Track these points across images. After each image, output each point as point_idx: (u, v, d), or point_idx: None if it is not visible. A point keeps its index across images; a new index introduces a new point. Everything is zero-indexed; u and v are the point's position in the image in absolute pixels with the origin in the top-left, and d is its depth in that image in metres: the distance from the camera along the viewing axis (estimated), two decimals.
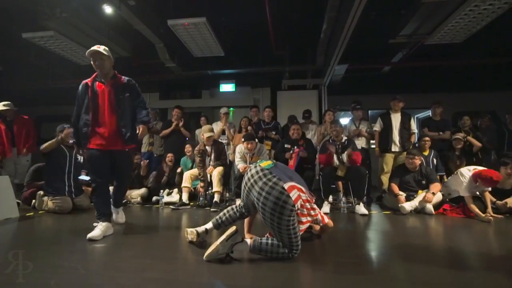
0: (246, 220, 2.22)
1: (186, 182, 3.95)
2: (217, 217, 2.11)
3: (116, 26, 4.96)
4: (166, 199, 4.03)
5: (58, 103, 7.29)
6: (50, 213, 3.37)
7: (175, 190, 4.28)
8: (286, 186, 1.73)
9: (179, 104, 5.43)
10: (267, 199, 1.72)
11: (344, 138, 3.69)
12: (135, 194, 4.15)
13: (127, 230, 2.79)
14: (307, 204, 1.81)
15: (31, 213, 3.35)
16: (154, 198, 4.17)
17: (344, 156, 3.47)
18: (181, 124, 4.85)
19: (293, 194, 1.72)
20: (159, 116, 5.94)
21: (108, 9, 4.17)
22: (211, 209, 3.53)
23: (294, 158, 3.72)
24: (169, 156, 4.52)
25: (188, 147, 4.59)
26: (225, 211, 2.11)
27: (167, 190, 4.23)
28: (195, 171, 4.09)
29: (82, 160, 3.77)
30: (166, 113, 7.32)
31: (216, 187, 3.72)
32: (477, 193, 3.24)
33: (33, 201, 3.59)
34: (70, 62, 5.48)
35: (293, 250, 1.78)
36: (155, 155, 5.23)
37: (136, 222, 3.26)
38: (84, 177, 3.70)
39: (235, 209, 2.07)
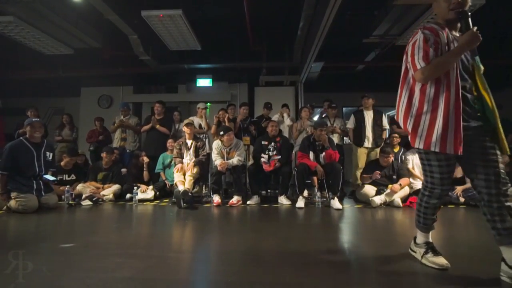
0: None
1: (180, 177, 3.76)
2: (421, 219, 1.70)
3: (85, 15, 4.68)
4: (140, 196, 3.92)
5: (19, 95, 6.79)
6: (11, 212, 3.14)
7: (150, 187, 4.18)
8: None
9: (155, 99, 5.29)
10: None
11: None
12: (107, 191, 3.99)
13: (97, 228, 2.69)
14: None
15: None
16: (128, 196, 4.03)
17: (321, 157, 3.63)
18: (155, 121, 4.70)
19: None
20: (132, 111, 5.72)
21: None
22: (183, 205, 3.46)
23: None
24: (142, 155, 4.42)
25: (170, 142, 4.48)
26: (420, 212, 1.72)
27: (143, 186, 4.12)
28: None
29: (51, 158, 3.53)
30: (141, 108, 7.07)
31: (187, 184, 3.65)
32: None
33: None
34: (33, 51, 5.10)
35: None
36: (127, 150, 5.05)
37: (107, 220, 3.15)
38: (49, 177, 3.45)
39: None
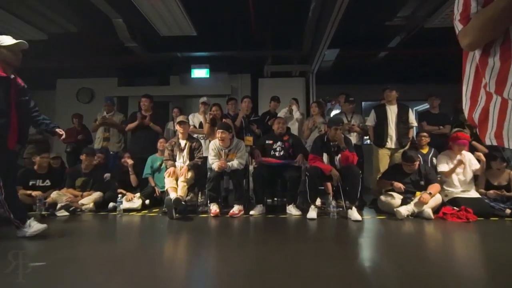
0: None
1: (171, 183, 3.74)
2: None
3: None
4: (126, 205, 3.92)
5: None
6: None
7: (137, 194, 4.18)
8: None
9: (144, 92, 5.27)
10: None
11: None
12: (87, 200, 4.00)
13: (74, 243, 2.68)
14: None
15: None
16: (111, 205, 4.04)
17: (337, 159, 3.63)
18: (148, 118, 4.69)
19: None
20: (116, 107, 5.76)
21: None
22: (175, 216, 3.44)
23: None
24: (125, 156, 4.43)
25: (162, 142, 4.48)
26: None
27: (129, 194, 4.13)
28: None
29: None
30: (127, 103, 7.11)
31: (180, 191, 3.62)
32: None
33: None
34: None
35: None
36: (111, 152, 5.07)
37: (86, 233, 3.15)
38: None
39: None
